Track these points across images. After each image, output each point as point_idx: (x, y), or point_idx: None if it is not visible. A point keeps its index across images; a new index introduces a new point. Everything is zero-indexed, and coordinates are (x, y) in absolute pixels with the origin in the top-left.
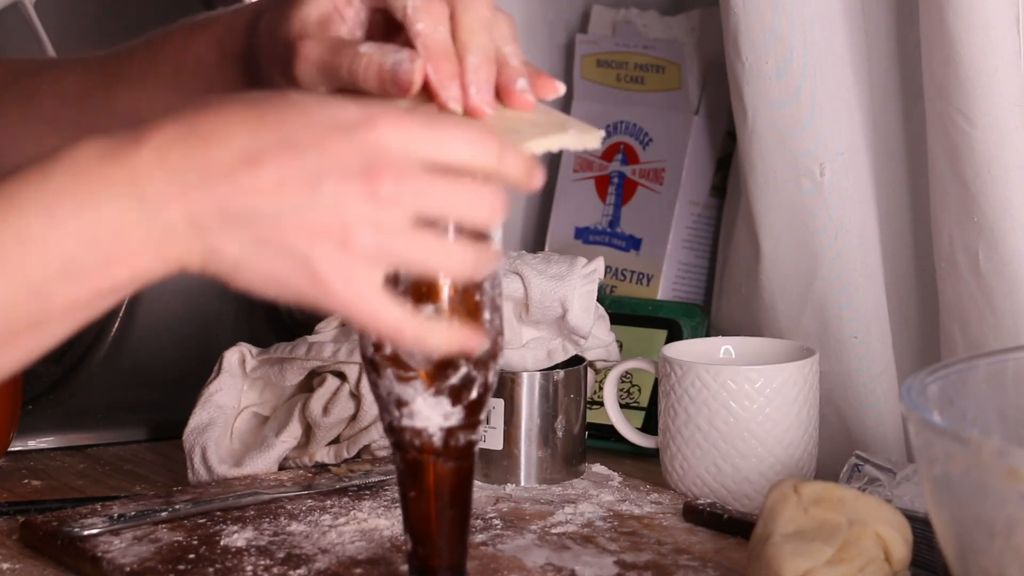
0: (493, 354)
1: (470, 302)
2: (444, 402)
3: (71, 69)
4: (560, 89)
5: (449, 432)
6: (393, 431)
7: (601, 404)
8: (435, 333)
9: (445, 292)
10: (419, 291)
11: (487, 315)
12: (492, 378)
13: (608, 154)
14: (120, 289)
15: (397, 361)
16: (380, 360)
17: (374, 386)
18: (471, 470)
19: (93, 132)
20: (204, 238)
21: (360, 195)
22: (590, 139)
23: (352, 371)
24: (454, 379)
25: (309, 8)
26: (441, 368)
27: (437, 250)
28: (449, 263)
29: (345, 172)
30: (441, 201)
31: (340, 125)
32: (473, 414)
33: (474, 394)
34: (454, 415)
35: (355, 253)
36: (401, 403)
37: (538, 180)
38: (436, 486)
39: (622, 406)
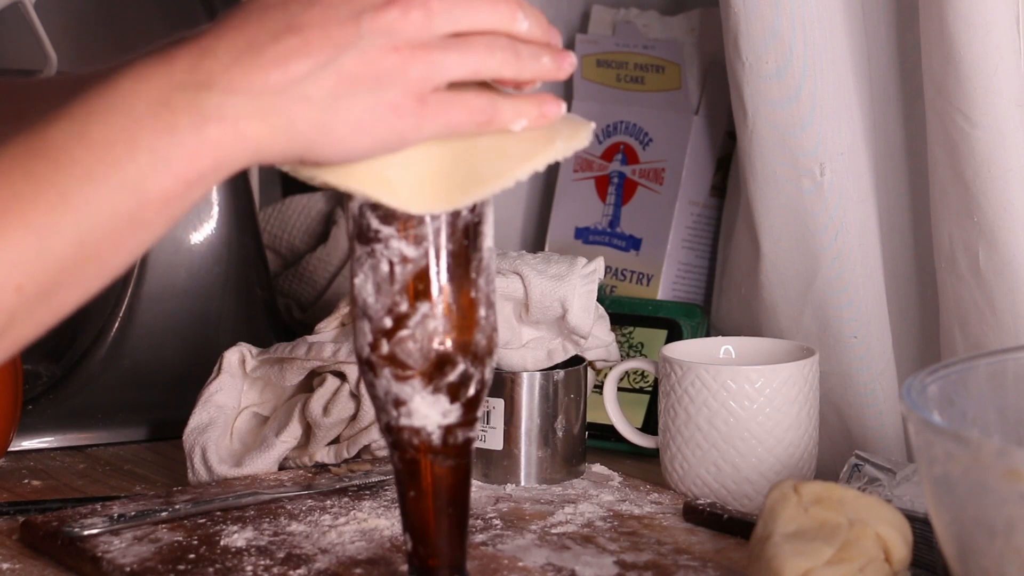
0: (489, 350)
1: (466, 298)
2: (442, 400)
3: (60, 87)
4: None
5: (447, 430)
6: (391, 431)
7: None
8: (515, 104)
9: (435, 289)
10: (415, 289)
11: (483, 311)
12: (488, 375)
13: (608, 154)
14: (208, 177)
15: (395, 360)
16: (377, 360)
17: (371, 386)
18: (469, 468)
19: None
20: (279, 110)
21: (398, 17)
22: (579, 142)
23: (352, 371)
24: (452, 376)
25: None
26: (439, 366)
27: (487, 47)
28: (515, 58)
29: (375, 4)
30: (468, 14)
31: None
32: (470, 411)
33: (471, 391)
34: (452, 412)
35: (417, 69)
36: (399, 402)
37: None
38: (435, 485)
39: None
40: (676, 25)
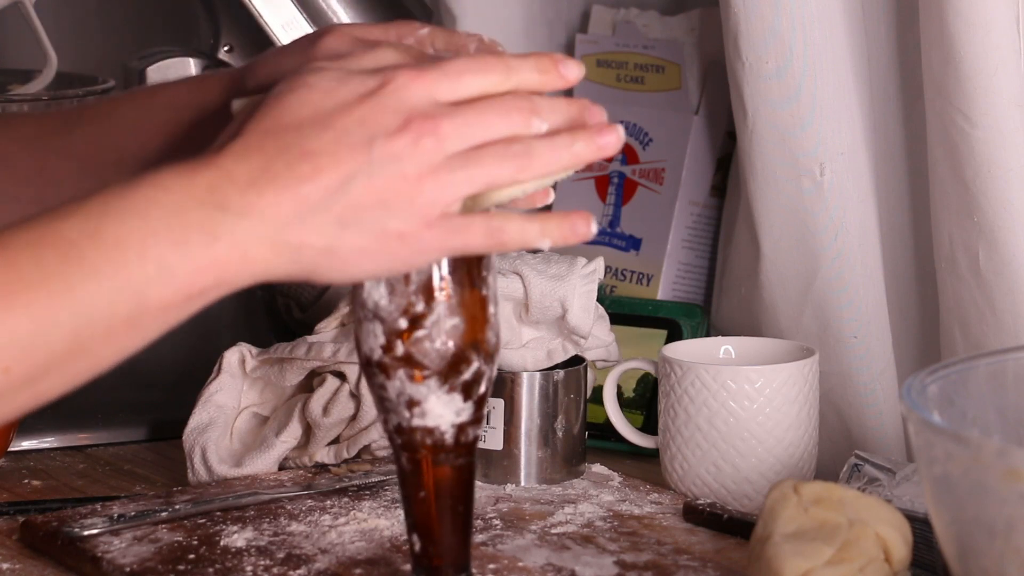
0: (497, 348)
1: (477, 296)
2: (456, 399)
3: (30, 117)
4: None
5: (460, 428)
6: (402, 432)
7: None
8: (535, 228)
9: (452, 288)
10: (432, 289)
11: (492, 308)
12: (495, 372)
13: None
14: (208, 292)
15: (411, 361)
16: (391, 362)
17: (381, 389)
18: (475, 466)
19: (45, 174)
20: (285, 237)
21: (409, 145)
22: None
23: (352, 371)
24: (467, 374)
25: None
26: (454, 365)
27: (499, 158)
28: (531, 160)
29: (387, 131)
30: (479, 128)
31: (365, 93)
32: (480, 408)
33: (482, 388)
34: (465, 411)
35: (425, 196)
36: (413, 403)
37: (571, 71)
38: (446, 484)
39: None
40: (676, 25)
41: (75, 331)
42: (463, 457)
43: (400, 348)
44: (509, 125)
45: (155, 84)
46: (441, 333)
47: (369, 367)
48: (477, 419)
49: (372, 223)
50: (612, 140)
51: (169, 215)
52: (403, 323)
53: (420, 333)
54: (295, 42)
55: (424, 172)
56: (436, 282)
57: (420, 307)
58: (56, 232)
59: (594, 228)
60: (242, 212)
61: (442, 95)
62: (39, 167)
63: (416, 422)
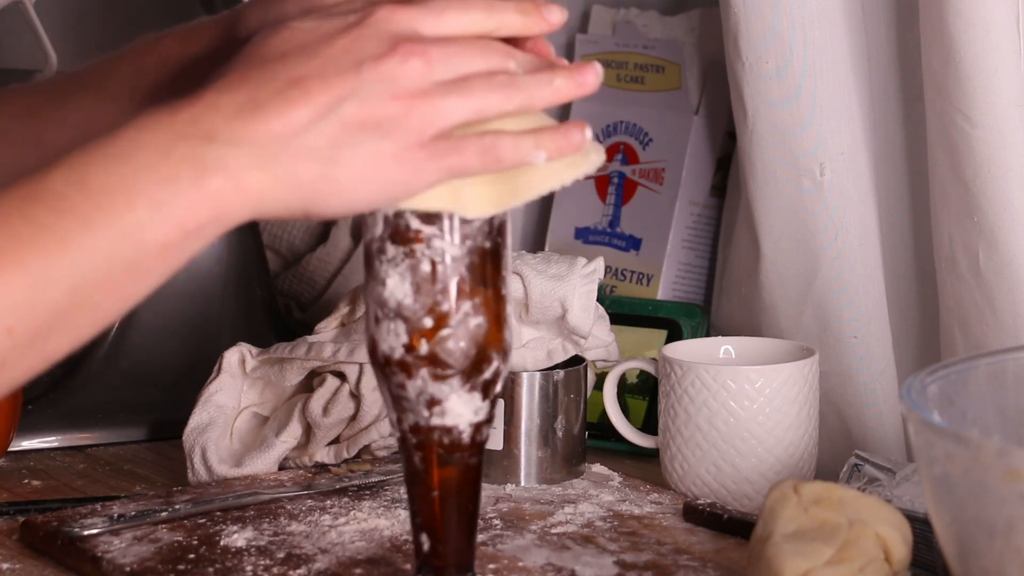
0: (511, 347)
1: (498, 296)
2: (476, 397)
3: (22, 90)
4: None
5: (476, 427)
6: (419, 431)
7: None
8: (529, 141)
9: (477, 287)
10: (458, 288)
11: (509, 308)
12: (507, 371)
13: (608, 154)
14: (207, 228)
15: (435, 360)
16: (413, 361)
17: (400, 388)
18: (483, 464)
19: (43, 146)
20: (279, 163)
21: (397, 66)
22: (596, 162)
23: (352, 371)
24: (487, 373)
25: None
26: (477, 364)
27: (486, 85)
28: (518, 90)
29: (374, 54)
30: (464, 59)
31: (347, 24)
32: (494, 407)
33: (498, 387)
34: (482, 410)
35: (417, 116)
36: (433, 402)
37: (554, 15)
38: (458, 483)
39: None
40: (676, 25)
41: (75, 284)
42: (475, 456)
43: (424, 347)
44: (489, 63)
45: (145, 40)
46: (465, 332)
47: (388, 366)
48: (491, 418)
49: (366, 145)
50: (591, 77)
51: (154, 153)
52: (428, 322)
53: (445, 332)
54: None
55: (414, 92)
56: (462, 281)
57: (446, 306)
58: (43, 186)
59: (588, 134)
60: (230, 140)
61: (423, 28)
62: (36, 138)
63: (435, 421)
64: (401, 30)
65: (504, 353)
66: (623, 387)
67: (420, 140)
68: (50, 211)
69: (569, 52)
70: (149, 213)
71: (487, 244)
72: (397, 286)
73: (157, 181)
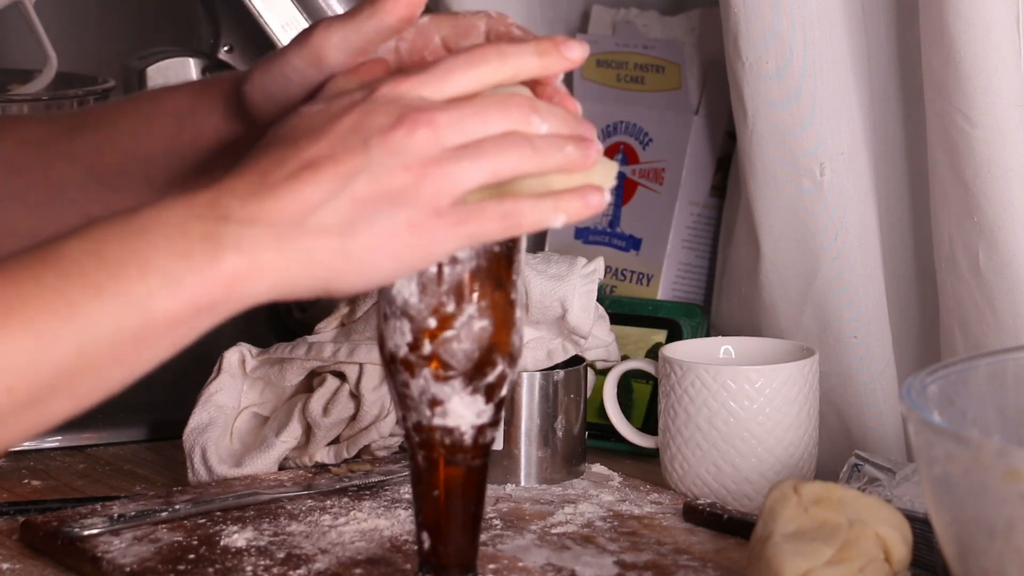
0: (520, 351)
1: (505, 299)
2: (479, 400)
3: (36, 120)
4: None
5: (479, 430)
6: (421, 430)
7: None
8: (548, 204)
9: (483, 290)
10: (463, 290)
11: (518, 312)
12: (516, 375)
13: (608, 154)
14: (219, 307)
15: (438, 360)
16: (417, 360)
17: (403, 386)
18: (488, 467)
19: (51, 179)
20: (294, 242)
21: (405, 137)
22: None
23: (352, 371)
24: (491, 377)
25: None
26: (480, 367)
27: (498, 148)
28: (533, 152)
29: (381, 128)
30: (476, 121)
31: (353, 102)
32: (499, 411)
33: (504, 391)
34: (486, 413)
35: (430, 184)
36: (436, 402)
37: (574, 51)
38: (461, 484)
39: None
40: (676, 25)
41: (79, 348)
42: (479, 458)
43: (427, 347)
44: (508, 120)
45: (159, 90)
46: (469, 334)
47: (393, 364)
48: (495, 421)
49: (381, 218)
50: (596, 149)
51: (171, 231)
52: (432, 322)
53: (449, 333)
54: (291, 46)
55: (425, 162)
56: (468, 283)
57: (451, 307)
58: (57, 253)
59: (607, 198)
60: (244, 220)
61: (430, 94)
62: (45, 171)
63: (436, 421)
64: (408, 100)
65: (511, 357)
66: (624, 383)
67: (436, 209)
68: (62, 276)
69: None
70: (160, 285)
71: (497, 248)
72: (404, 285)
73: (172, 255)
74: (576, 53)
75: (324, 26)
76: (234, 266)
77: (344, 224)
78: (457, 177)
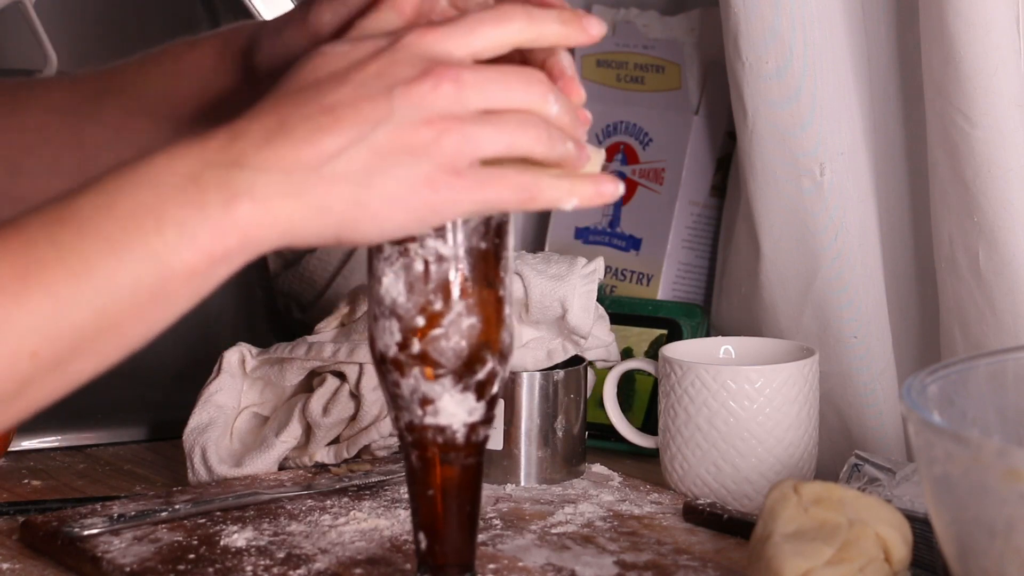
0: (511, 349)
1: (494, 297)
2: (470, 398)
3: (59, 84)
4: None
5: (471, 428)
6: (413, 430)
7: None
8: (566, 181)
9: (470, 288)
10: (450, 288)
11: (507, 309)
12: (507, 373)
13: (608, 154)
14: (235, 255)
15: (426, 359)
16: (406, 359)
17: (394, 386)
18: (483, 466)
19: (83, 145)
20: (310, 190)
21: (429, 90)
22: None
23: (352, 371)
24: (481, 374)
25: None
26: (469, 364)
27: (519, 123)
28: (547, 138)
29: (406, 79)
30: (499, 88)
31: (378, 48)
32: (491, 408)
33: (495, 389)
34: (477, 411)
35: (450, 142)
36: (426, 401)
37: (594, 27)
38: (456, 483)
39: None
40: (676, 25)
41: (100, 308)
42: (472, 457)
43: (416, 346)
44: (528, 95)
45: (181, 45)
46: (458, 332)
47: (383, 364)
48: (488, 419)
49: (400, 170)
50: (586, 154)
51: (183, 179)
52: (420, 321)
53: (437, 331)
54: (291, 19)
55: (447, 118)
56: (454, 281)
57: (438, 305)
58: (71, 209)
59: (621, 189)
60: (259, 167)
61: (455, 47)
62: (76, 136)
63: (428, 420)
64: (434, 52)
65: (501, 355)
66: (625, 379)
67: (454, 167)
68: (76, 234)
69: (569, 52)
70: (176, 238)
71: (483, 245)
72: (392, 284)
73: (185, 206)
74: (596, 29)
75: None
76: (249, 214)
77: (361, 174)
78: (478, 141)
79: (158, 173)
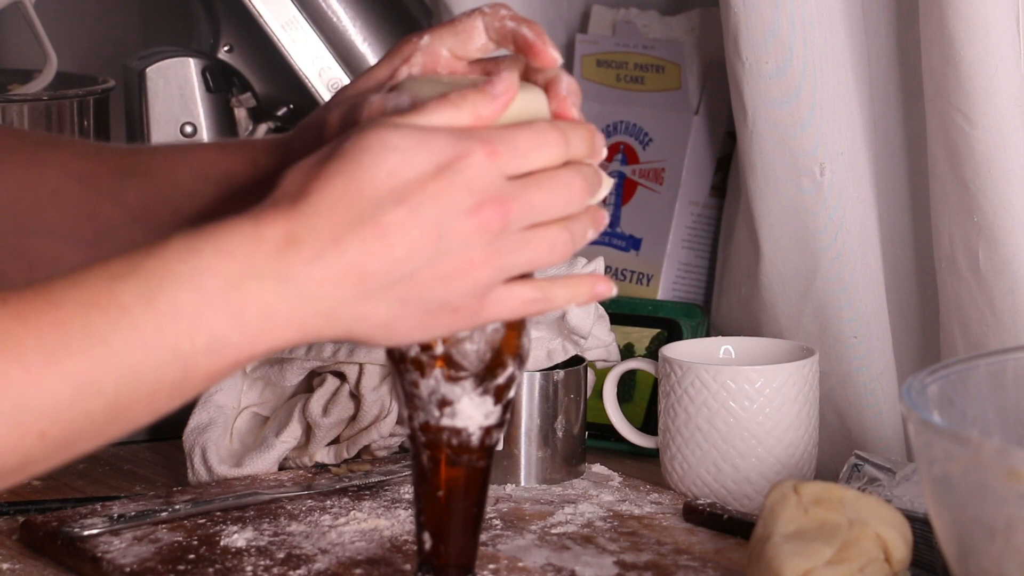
0: (528, 353)
1: None
2: (488, 401)
3: (84, 152)
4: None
5: (486, 431)
6: (428, 430)
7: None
8: (568, 288)
9: None
10: None
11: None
12: (522, 377)
13: (608, 154)
14: (256, 358)
15: (450, 361)
16: (427, 360)
17: (413, 386)
18: (491, 468)
19: (98, 221)
20: (348, 309)
21: (476, 232)
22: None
23: (352, 371)
24: (501, 378)
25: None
26: (491, 368)
27: (550, 245)
28: (572, 244)
29: (457, 214)
30: (542, 209)
31: (440, 167)
32: (506, 412)
33: (512, 393)
34: (493, 414)
35: (486, 275)
36: (445, 403)
37: (599, 149)
38: (465, 485)
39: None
40: (676, 25)
41: (116, 398)
42: (483, 460)
43: (440, 347)
44: (568, 204)
45: (212, 148)
46: (482, 336)
47: (403, 363)
48: (502, 423)
49: (431, 300)
50: (604, 289)
51: (228, 286)
52: None
53: (462, 334)
54: (328, 109)
55: (488, 255)
56: None
57: None
58: (108, 295)
59: (614, 291)
60: (304, 289)
61: (510, 171)
62: (93, 209)
63: (445, 422)
64: (490, 180)
65: (520, 359)
66: (625, 380)
67: (482, 294)
68: (111, 325)
69: (569, 52)
70: (208, 345)
71: None
72: None
73: (224, 316)
74: (601, 145)
75: (357, 89)
76: (282, 329)
77: (397, 303)
78: (508, 269)
79: (205, 271)
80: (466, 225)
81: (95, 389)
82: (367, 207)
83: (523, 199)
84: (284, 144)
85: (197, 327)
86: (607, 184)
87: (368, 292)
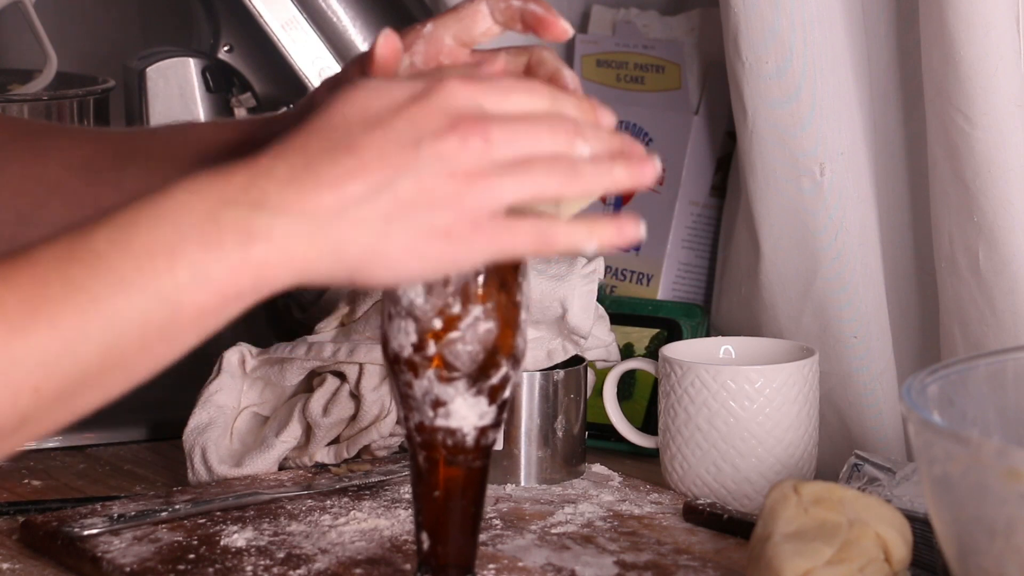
0: (524, 354)
1: (512, 302)
2: (482, 402)
3: (82, 141)
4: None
5: (481, 431)
6: (423, 431)
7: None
8: (576, 229)
9: (489, 292)
10: (469, 292)
11: (523, 315)
12: (519, 377)
13: None
14: (246, 295)
15: (442, 361)
16: (421, 361)
17: (407, 386)
18: (489, 468)
19: (98, 205)
20: (328, 234)
21: (457, 145)
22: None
23: (352, 371)
24: (495, 379)
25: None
26: (484, 369)
27: (544, 172)
28: (572, 178)
29: (435, 131)
30: (526, 139)
31: (414, 95)
32: (502, 412)
33: (507, 393)
34: (488, 414)
35: (473, 197)
36: (439, 403)
37: (605, 118)
38: (462, 485)
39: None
40: (676, 25)
41: (106, 345)
42: (480, 460)
43: (432, 348)
44: (555, 142)
45: (211, 128)
46: (475, 336)
47: (397, 364)
48: (498, 423)
49: (418, 221)
50: (650, 171)
51: (201, 218)
52: (438, 323)
53: (454, 335)
54: (326, 84)
55: (472, 172)
56: (474, 286)
57: (456, 309)
58: (84, 244)
59: (643, 231)
60: (280, 209)
61: (489, 105)
62: (94, 198)
63: (439, 422)
64: (465, 106)
65: (514, 360)
66: (625, 380)
67: (474, 219)
68: (89, 271)
69: (569, 52)
70: (189, 278)
71: None
72: (410, 285)
73: (201, 245)
74: (606, 120)
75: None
76: (264, 255)
77: (381, 222)
78: (501, 191)
79: (176, 209)
80: (445, 141)
81: (83, 338)
82: (340, 135)
83: (506, 125)
84: (279, 119)
85: (176, 262)
86: (646, 159)
87: (349, 213)
